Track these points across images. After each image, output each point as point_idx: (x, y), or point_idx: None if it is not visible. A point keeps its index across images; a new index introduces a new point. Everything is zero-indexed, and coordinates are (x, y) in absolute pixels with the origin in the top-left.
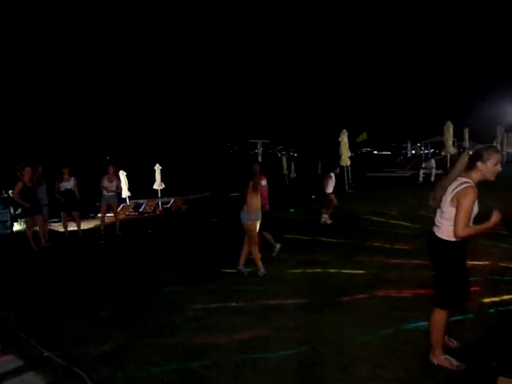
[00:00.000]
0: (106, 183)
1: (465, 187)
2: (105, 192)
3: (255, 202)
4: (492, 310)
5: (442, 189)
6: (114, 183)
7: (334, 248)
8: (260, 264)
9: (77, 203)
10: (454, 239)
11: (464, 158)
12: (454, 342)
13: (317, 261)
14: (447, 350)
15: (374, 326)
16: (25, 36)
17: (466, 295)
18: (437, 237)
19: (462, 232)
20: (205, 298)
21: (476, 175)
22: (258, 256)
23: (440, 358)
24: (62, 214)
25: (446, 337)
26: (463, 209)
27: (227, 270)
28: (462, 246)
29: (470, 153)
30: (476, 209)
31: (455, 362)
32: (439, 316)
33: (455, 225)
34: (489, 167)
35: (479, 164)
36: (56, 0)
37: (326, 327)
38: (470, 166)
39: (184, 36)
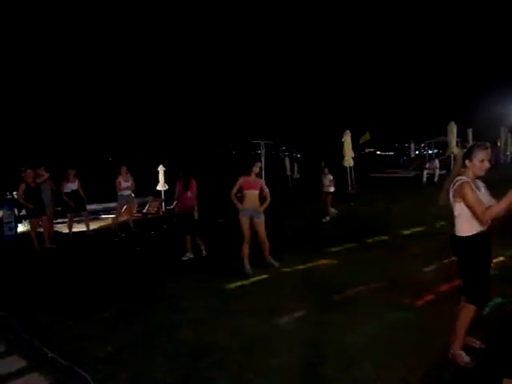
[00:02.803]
0: (123, 184)
1: (459, 184)
2: (123, 192)
3: (249, 199)
4: (496, 311)
5: (447, 189)
6: (130, 182)
7: (336, 248)
8: (246, 262)
9: (84, 203)
10: (466, 234)
11: (460, 157)
12: (478, 342)
13: (318, 261)
14: (471, 350)
15: (375, 326)
16: (27, 37)
17: (489, 291)
18: (454, 234)
19: (483, 217)
20: (207, 299)
21: (469, 172)
22: (244, 254)
23: (455, 352)
24: (68, 215)
25: (469, 337)
26: (468, 200)
27: (229, 271)
28: (478, 241)
29: (464, 150)
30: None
31: (466, 359)
32: (466, 311)
33: (475, 216)
34: (475, 164)
35: (467, 162)
36: (56, 0)
37: (327, 327)
38: (464, 164)
39: (187, 37)
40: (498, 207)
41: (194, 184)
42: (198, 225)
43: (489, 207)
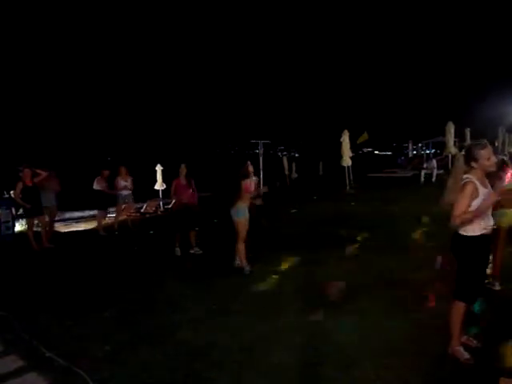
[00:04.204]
0: (122, 183)
1: (464, 182)
2: (122, 192)
3: (243, 199)
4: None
5: (451, 190)
6: (129, 182)
7: (335, 248)
8: (245, 261)
9: (101, 203)
10: (468, 234)
11: (460, 160)
12: (474, 341)
13: (318, 261)
14: (468, 349)
15: (375, 326)
16: (27, 37)
17: (479, 290)
18: (456, 232)
19: (455, 220)
20: (206, 299)
21: (477, 172)
22: (243, 253)
23: (454, 349)
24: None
25: (466, 337)
26: (458, 200)
27: (228, 270)
28: (478, 242)
29: (463, 153)
30: (479, 201)
31: (466, 356)
32: (455, 308)
33: (452, 212)
34: (482, 164)
35: (473, 163)
36: (56, 0)
37: (327, 327)
38: (468, 165)
39: (185, 36)
40: (470, 215)
41: (193, 181)
42: (200, 221)
43: (465, 213)
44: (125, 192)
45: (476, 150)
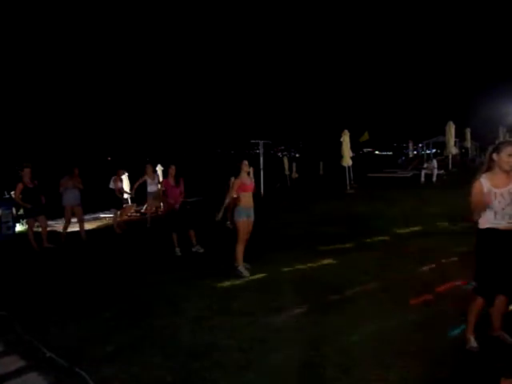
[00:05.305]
0: (149, 181)
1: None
2: (150, 189)
3: (246, 199)
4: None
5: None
6: (156, 180)
7: (334, 248)
8: (240, 263)
9: (119, 202)
10: (482, 227)
11: (488, 155)
12: (509, 338)
13: (317, 261)
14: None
15: (376, 327)
16: (26, 37)
17: (493, 287)
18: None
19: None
20: (206, 299)
21: (494, 169)
22: (240, 254)
23: (466, 336)
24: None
25: (503, 332)
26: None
27: (228, 270)
28: (490, 235)
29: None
30: (493, 199)
31: (471, 344)
32: (473, 302)
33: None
34: (502, 158)
35: (494, 155)
36: (56, 0)
37: (327, 328)
38: (490, 157)
39: (187, 37)
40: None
41: (182, 180)
42: (194, 219)
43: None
44: (153, 188)
45: (505, 143)
